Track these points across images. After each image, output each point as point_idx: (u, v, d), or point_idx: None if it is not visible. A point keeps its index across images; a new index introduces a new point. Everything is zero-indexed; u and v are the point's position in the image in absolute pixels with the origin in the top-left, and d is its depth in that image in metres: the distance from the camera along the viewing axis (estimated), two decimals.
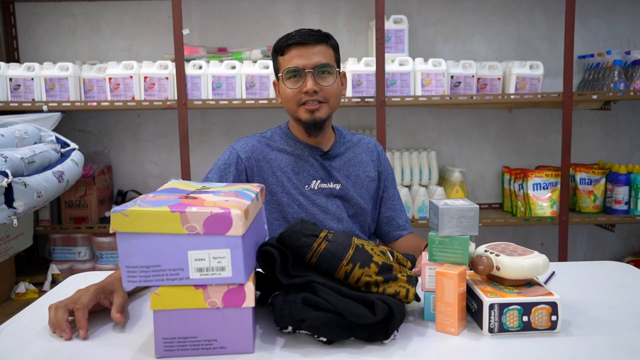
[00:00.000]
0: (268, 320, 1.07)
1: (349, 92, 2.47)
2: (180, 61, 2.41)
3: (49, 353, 0.97)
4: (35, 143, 2.07)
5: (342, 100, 2.04)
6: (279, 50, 1.48)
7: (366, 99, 2.45)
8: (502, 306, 0.98)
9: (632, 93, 2.48)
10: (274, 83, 1.57)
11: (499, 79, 2.56)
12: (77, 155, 2.13)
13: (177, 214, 0.88)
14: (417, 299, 1.07)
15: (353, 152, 1.58)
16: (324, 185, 1.53)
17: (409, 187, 2.72)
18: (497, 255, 1.04)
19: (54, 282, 2.60)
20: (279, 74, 1.49)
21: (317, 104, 1.44)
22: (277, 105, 2.43)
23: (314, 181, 1.52)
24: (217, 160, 1.53)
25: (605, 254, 3.03)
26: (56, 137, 2.17)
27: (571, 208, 2.70)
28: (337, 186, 1.53)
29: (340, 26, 2.84)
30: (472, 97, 2.48)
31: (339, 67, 1.53)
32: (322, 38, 1.47)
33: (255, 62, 2.49)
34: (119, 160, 2.94)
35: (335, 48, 1.51)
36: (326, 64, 1.45)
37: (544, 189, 2.62)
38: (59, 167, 1.98)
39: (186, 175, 2.48)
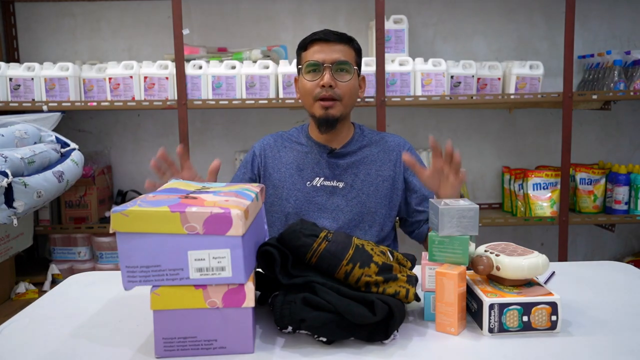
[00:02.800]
0: (268, 320, 1.07)
1: None
2: (180, 61, 2.41)
3: (49, 353, 0.97)
4: (35, 143, 2.07)
5: None
6: (302, 46, 1.54)
7: (366, 99, 2.45)
8: (502, 306, 0.98)
9: (632, 93, 2.48)
10: (295, 80, 1.61)
11: (499, 79, 2.55)
12: (77, 155, 2.13)
13: (177, 214, 0.89)
14: (417, 299, 1.07)
15: (369, 150, 1.58)
16: (327, 183, 1.55)
17: None
18: (497, 255, 1.04)
19: (54, 282, 2.60)
20: (300, 68, 1.54)
21: (332, 102, 1.48)
22: (277, 105, 2.43)
23: (317, 178, 1.55)
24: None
25: (605, 254, 3.02)
26: (56, 137, 2.17)
27: (571, 208, 2.69)
28: (340, 184, 1.54)
29: (340, 26, 2.84)
30: (472, 97, 2.48)
31: (359, 70, 1.57)
32: (344, 39, 1.52)
33: (255, 62, 2.48)
34: (119, 160, 2.94)
35: (357, 51, 1.56)
36: (345, 61, 1.49)
37: (544, 189, 2.62)
38: (59, 167, 1.98)
39: None
